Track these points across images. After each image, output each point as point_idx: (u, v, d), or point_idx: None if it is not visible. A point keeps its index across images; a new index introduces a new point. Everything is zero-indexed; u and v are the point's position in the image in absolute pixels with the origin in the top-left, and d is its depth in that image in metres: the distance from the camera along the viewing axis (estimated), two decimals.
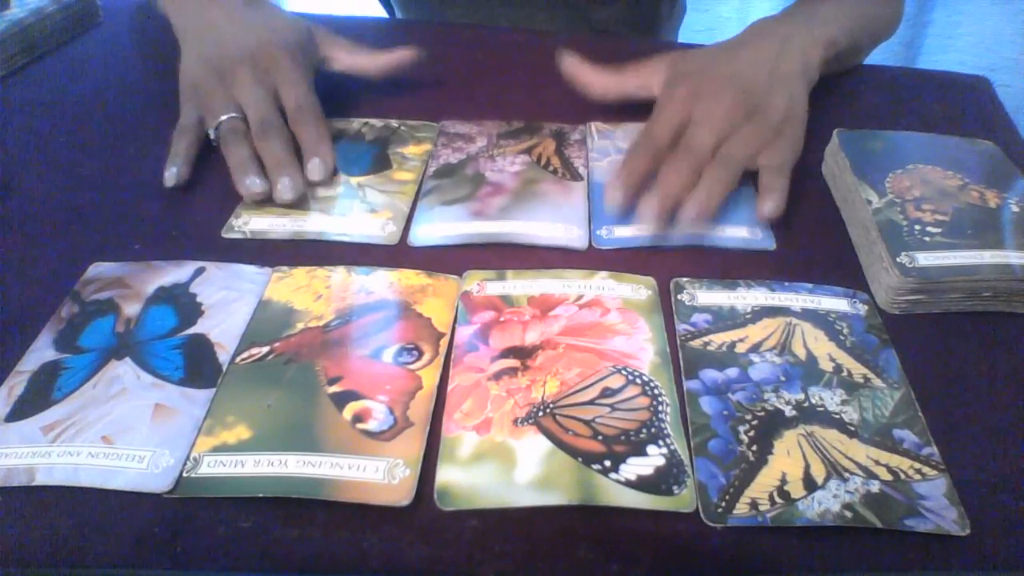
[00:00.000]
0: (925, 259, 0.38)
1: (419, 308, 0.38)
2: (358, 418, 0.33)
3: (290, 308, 0.38)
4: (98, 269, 0.40)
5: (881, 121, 0.54)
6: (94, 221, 0.44)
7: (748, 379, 0.35)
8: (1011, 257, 0.38)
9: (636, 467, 0.31)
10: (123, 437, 0.31)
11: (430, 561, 0.28)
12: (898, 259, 0.38)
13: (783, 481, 0.30)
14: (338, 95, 0.56)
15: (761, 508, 0.30)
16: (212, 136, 0.48)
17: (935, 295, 0.38)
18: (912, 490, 0.30)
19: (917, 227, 0.40)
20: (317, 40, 0.55)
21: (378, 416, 0.33)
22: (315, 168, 0.46)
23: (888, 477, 0.31)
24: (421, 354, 0.36)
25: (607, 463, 0.31)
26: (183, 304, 0.38)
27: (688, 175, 0.42)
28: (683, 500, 0.30)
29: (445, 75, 0.59)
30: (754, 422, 0.33)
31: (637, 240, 0.43)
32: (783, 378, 0.35)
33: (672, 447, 0.32)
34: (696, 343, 0.37)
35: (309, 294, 0.39)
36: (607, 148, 0.50)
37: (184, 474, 0.30)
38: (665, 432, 0.32)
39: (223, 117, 0.47)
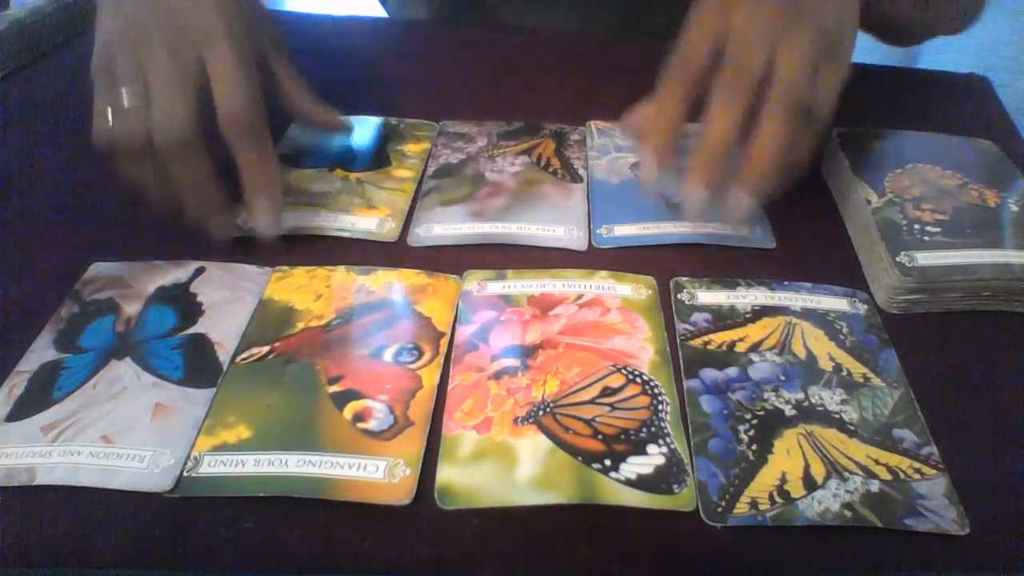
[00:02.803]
0: (924, 258, 0.38)
1: (419, 308, 0.38)
2: (358, 417, 0.33)
3: (290, 308, 0.38)
4: (98, 269, 0.40)
5: (881, 121, 0.54)
6: (94, 221, 0.44)
7: (748, 378, 0.35)
8: (1010, 256, 0.38)
9: (636, 466, 0.31)
10: (123, 437, 0.31)
11: (430, 561, 0.28)
12: (897, 259, 0.38)
13: (783, 480, 0.30)
14: (335, 92, 0.56)
15: (761, 507, 0.30)
16: (99, 134, 0.36)
17: (934, 294, 0.38)
18: (912, 489, 0.30)
19: (916, 226, 0.40)
20: (272, 42, 0.42)
21: (378, 415, 0.33)
22: (263, 213, 0.38)
23: (888, 476, 0.31)
24: (421, 353, 0.36)
25: (607, 462, 0.31)
26: (183, 304, 0.38)
27: (740, 113, 0.36)
28: (683, 499, 0.30)
29: (445, 75, 0.59)
30: (754, 421, 0.33)
31: (637, 239, 0.43)
32: (783, 377, 0.35)
33: (672, 446, 0.32)
34: (696, 342, 0.37)
35: (309, 294, 0.39)
36: (607, 146, 0.50)
37: (184, 473, 0.30)
38: (665, 431, 0.32)
39: (126, 104, 0.35)
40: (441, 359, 0.36)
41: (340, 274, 0.40)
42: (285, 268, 0.41)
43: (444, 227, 0.43)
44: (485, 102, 0.56)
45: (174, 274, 0.40)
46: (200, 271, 0.40)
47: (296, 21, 0.67)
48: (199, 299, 0.38)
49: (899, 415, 0.33)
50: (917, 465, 0.31)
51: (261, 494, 0.30)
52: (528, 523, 0.30)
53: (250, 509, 0.30)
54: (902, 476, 0.31)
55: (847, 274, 0.41)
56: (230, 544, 0.29)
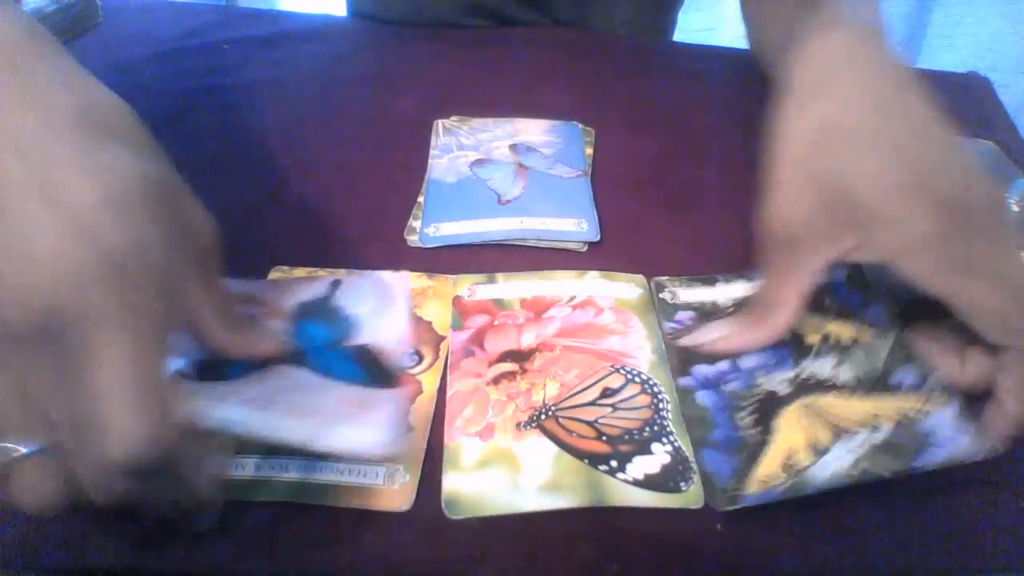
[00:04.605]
0: None
1: (419, 311, 0.38)
2: None
3: None
4: None
5: None
6: None
7: (739, 369, 0.35)
8: None
9: (643, 466, 0.31)
10: None
11: (431, 561, 0.28)
12: None
13: (790, 455, 0.31)
14: (333, 92, 0.56)
15: (772, 484, 0.30)
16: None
17: None
18: (918, 431, 0.31)
19: None
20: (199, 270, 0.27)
21: None
22: None
23: (892, 425, 0.31)
24: (421, 358, 0.36)
25: (613, 463, 0.31)
26: None
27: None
28: (690, 496, 0.30)
29: (445, 75, 0.59)
30: (752, 406, 0.33)
31: (463, 237, 0.42)
32: (773, 361, 0.35)
33: (676, 444, 0.32)
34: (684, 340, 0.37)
35: None
36: (449, 145, 0.50)
37: None
38: (668, 429, 0.32)
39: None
40: (441, 363, 0.35)
41: (340, 276, 0.40)
42: (285, 268, 0.40)
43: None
44: (485, 102, 0.56)
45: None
46: None
47: (294, 21, 0.67)
48: None
49: (894, 360, 0.33)
50: (922, 403, 0.31)
51: (262, 499, 0.30)
52: (529, 524, 0.29)
53: (250, 510, 0.30)
54: (909, 418, 0.31)
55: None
56: (230, 544, 0.29)
